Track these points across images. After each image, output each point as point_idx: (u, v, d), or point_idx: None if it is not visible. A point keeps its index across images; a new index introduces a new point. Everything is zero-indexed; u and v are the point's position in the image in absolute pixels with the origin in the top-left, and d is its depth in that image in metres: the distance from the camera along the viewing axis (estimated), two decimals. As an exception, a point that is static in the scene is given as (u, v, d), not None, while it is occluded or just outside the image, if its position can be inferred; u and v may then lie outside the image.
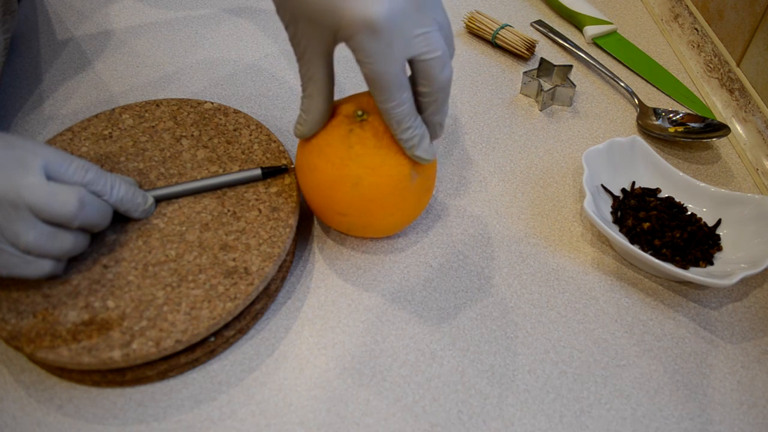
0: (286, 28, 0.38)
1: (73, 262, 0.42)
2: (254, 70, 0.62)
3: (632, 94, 0.59)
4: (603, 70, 0.61)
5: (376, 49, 0.35)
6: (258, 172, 0.46)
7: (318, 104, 0.41)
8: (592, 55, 0.64)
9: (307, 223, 0.50)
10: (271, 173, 0.47)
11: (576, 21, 0.67)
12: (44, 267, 0.39)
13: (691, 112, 0.59)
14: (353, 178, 0.41)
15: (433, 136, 0.42)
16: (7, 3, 0.56)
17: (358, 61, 0.36)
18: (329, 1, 0.35)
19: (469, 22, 0.65)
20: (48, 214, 0.37)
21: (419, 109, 0.40)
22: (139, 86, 0.60)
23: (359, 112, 0.42)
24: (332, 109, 0.43)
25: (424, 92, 0.39)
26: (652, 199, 0.50)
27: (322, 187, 0.42)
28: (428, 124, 0.41)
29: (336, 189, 0.42)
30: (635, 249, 0.45)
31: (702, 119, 0.56)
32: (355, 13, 0.34)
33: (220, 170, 0.48)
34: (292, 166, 0.48)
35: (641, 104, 0.59)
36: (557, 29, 0.67)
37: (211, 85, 0.60)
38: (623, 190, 0.51)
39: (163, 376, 0.41)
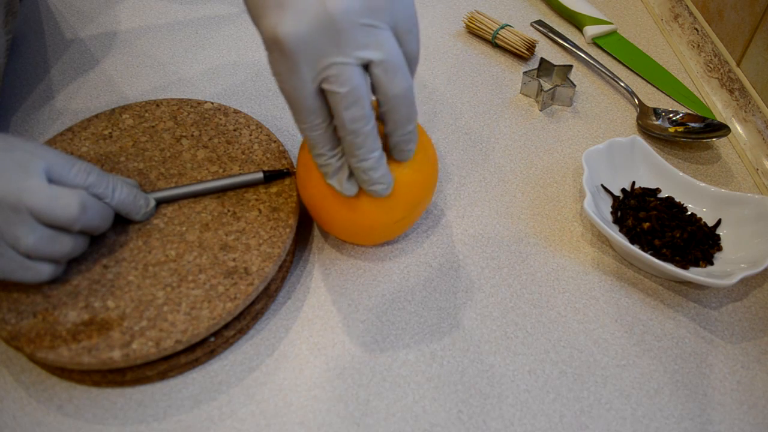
0: None
1: (73, 263, 0.42)
2: (254, 71, 0.62)
3: (632, 94, 0.59)
4: (603, 70, 0.61)
5: (282, 69, 0.34)
6: (260, 175, 0.46)
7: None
8: (592, 55, 0.64)
9: (307, 223, 0.50)
10: (273, 177, 0.47)
11: (576, 21, 0.67)
12: (42, 273, 0.39)
13: (691, 112, 0.59)
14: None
15: (399, 157, 0.40)
16: (9, 4, 0.56)
17: None
18: (256, 14, 0.35)
19: (469, 22, 0.65)
20: (49, 217, 0.37)
21: (381, 118, 0.38)
22: (140, 86, 0.60)
23: None
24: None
25: (379, 100, 0.37)
26: (652, 199, 0.50)
27: (323, 195, 0.42)
28: (390, 142, 0.39)
29: (336, 197, 0.41)
30: (635, 249, 0.45)
31: (702, 119, 0.56)
32: (267, 29, 0.34)
33: (221, 170, 0.48)
34: (294, 169, 0.48)
35: (641, 104, 0.59)
36: (557, 29, 0.67)
37: (212, 85, 0.60)
38: (623, 190, 0.51)
39: (163, 376, 0.41)
